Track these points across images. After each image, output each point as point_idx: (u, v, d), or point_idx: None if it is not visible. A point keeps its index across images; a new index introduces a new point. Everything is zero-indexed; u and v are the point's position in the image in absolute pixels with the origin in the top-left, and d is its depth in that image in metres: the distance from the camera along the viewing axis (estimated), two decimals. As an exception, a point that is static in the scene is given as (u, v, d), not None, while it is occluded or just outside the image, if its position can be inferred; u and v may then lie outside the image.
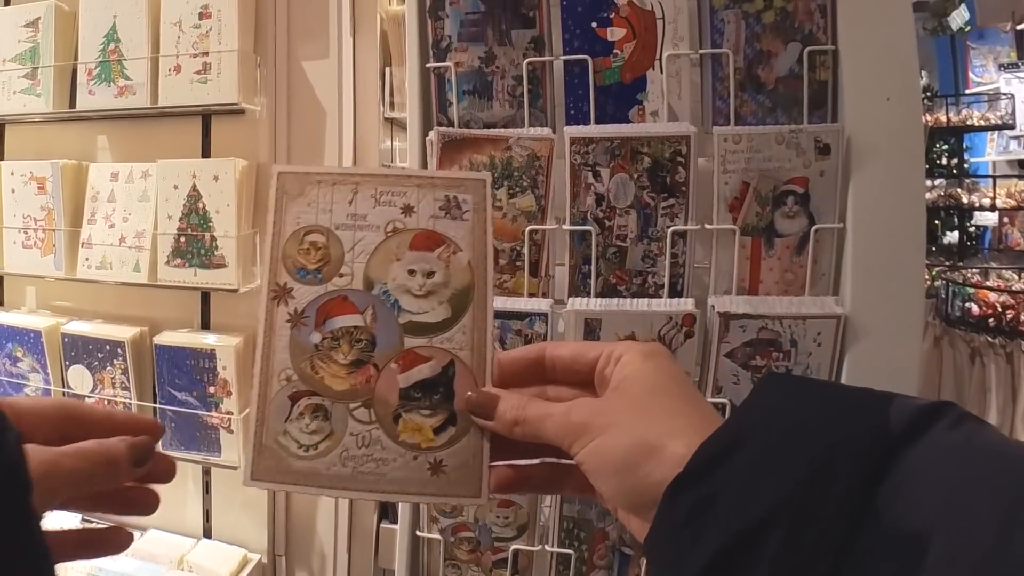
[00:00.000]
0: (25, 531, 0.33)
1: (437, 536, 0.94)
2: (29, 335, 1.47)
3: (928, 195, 3.68)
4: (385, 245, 0.46)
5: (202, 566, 1.38)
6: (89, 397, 1.44)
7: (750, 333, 0.82)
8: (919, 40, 0.83)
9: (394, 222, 0.46)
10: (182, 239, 1.35)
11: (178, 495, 1.46)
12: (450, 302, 0.45)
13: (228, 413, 1.34)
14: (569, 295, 0.88)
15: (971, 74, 4.13)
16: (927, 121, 3.66)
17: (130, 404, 1.41)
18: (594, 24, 0.87)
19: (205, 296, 1.44)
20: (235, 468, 1.35)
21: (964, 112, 3.83)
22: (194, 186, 1.34)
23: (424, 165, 0.92)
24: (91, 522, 1.10)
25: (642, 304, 0.84)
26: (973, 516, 0.26)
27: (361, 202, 0.47)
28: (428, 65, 0.92)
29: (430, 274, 0.46)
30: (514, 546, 0.93)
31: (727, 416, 0.36)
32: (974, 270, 3.21)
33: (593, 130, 0.86)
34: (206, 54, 1.31)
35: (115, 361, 1.41)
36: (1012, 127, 3.74)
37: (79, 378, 1.45)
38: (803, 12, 0.83)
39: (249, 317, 1.40)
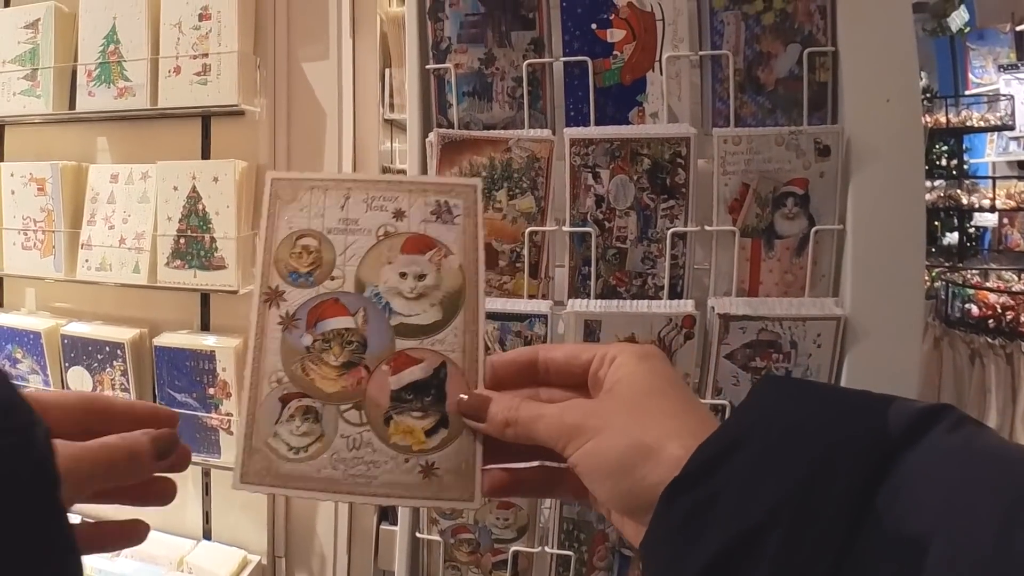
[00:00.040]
0: (55, 527, 0.33)
1: (437, 538, 0.94)
2: (29, 336, 1.47)
3: (928, 196, 3.68)
4: (376, 249, 0.46)
5: (202, 568, 1.38)
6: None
7: (750, 335, 0.82)
8: (918, 41, 0.83)
9: (385, 226, 0.47)
10: (182, 240, 1.35)
11: (178, 496, 1.45)
12: (441, 304, 0.45)
13: (228, 415, 1.34)
14: (569, 297, 0.88)
15: (971, 75, 4.13)
16: (927, 122, 3.67)
17: (130, 405, 1.40)
18: (594, 26, 0.87)
19: (205, 297, 1.44)
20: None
21: (964, 113, 3.84)
22: (194, 187, 1.34)
23: (424, 166, 0.92)
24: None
25: (642, 306, 0.84)
26: (973, 517, 0.26)
27: (353, 207, 0.47)
28: (428, 66, 0.92)
29: (421, 277, 0.46)
30: (514, 548, 0.93)
31: (726, 417, 0.36)
32: (974, 271, 3.21)
33: (593, 132, 0.86)
34: (206, 55, 1.31)
35: (115, 362, 1.41)
36: (1012, 128, 3.75)
37: (79, 379, 1.45)
38: (803, 13, 0.83)
39: (249, 319, 1.40)
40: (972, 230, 3.96)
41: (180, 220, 1.35)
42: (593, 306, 0.85)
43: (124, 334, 1.41)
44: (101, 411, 0.42)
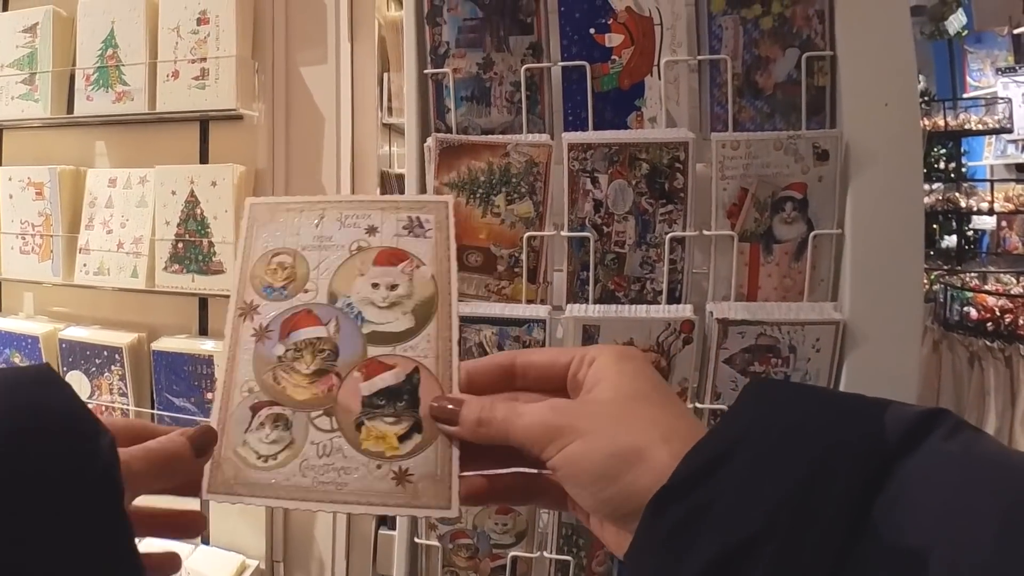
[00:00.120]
0: (119, 534, 0.35)
1: (435, 543, 0.94)
2: (27, 341, 1.47)
3: (926, 199, 3.69)
4: (350, 262, 0.47)
5: (200, 572, 1.37)
6: (87, 403, 1.44)
7: (749, 339, 0.82)
8: (916, 44, 0.83)
9: (359, 241, 0.47)
10: (180, 245, 1.34)
11: (176, 501, 1.45)
12: (414, 312, 0.45)
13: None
14: (567, 301, 0.88)
15: (969, 78, 4.14)
16: (925, 125, 3.67)
17: (128, 410, 1.40)
18: (592, 30, 0.87)
19: (203, 302, 1.44)
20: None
21: (962, 116, 3.85)
22: (192, 192, 1.34)
23: (422, 171, 0.92)
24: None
25: (640, 310, 0.84)
26: (973, 523, 0.26)
27: (327, 225, 0.48)
28: (426, 71, 0.92)
29: (393, 287, 0.46)
30: (513, 553, 0.92)
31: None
32: (972, 274, 3.22)
33: (591, 136, 0.86)
34: (204, 60, 1.31)
35: (113, 367, 1.41)
36: (1010, 131, 3.76)
37: (77, 384, 1.44)
38: (801, 18, 0.83)
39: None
40: (970, 233, 3.96)
41: (178, 224, 1.35)
42: (591, 311, 0.85)
43: (122, 339, 1.41)
44: (144, 438, 0.43)
